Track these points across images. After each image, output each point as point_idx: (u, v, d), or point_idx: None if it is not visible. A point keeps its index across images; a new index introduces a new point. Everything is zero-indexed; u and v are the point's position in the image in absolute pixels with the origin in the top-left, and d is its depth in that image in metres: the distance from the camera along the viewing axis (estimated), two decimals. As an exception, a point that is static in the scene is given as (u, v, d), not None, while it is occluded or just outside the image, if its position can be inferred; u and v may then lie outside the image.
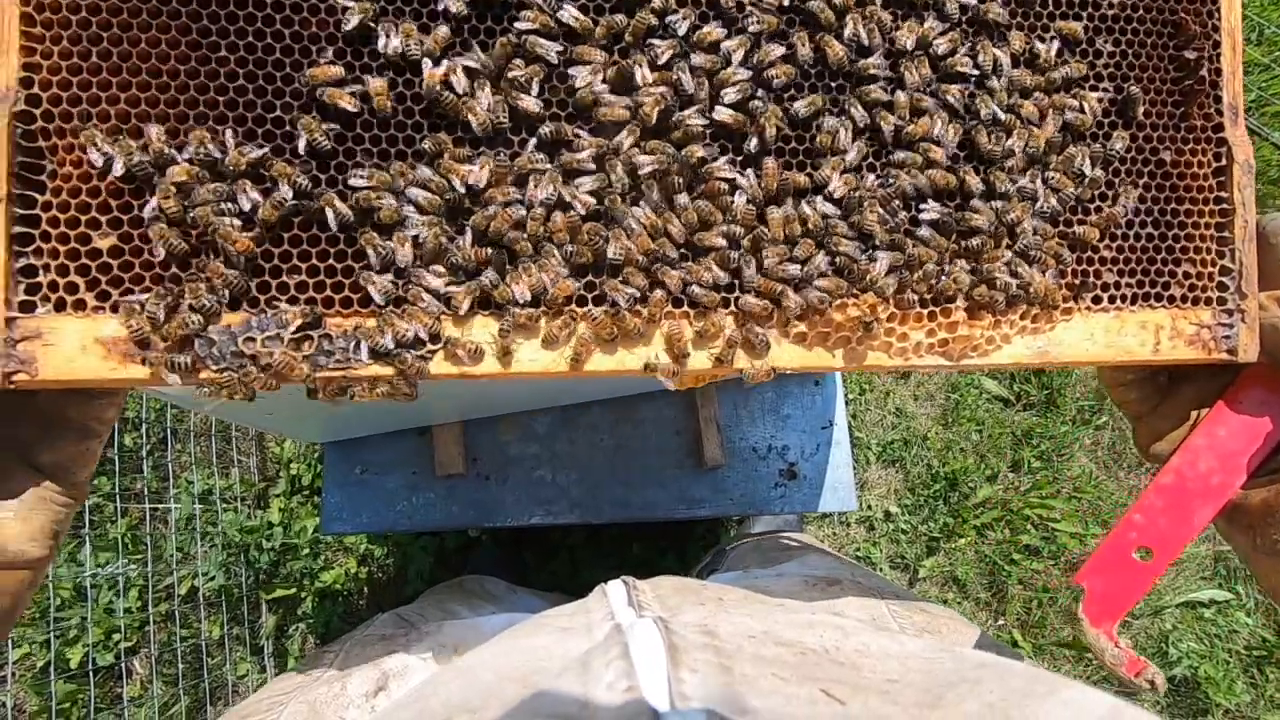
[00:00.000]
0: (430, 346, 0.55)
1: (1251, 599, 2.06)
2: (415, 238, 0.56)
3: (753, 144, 0.60)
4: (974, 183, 0.63)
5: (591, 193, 0.58)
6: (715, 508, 1.25)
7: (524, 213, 0.57)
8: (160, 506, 1.91)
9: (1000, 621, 2.04)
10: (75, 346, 0.51)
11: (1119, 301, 0.66)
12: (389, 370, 0.55)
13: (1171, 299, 0.66)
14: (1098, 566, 0.65)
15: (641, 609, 0.64)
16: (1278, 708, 1.97)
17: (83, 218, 0.52)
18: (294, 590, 1.94)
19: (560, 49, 0.57)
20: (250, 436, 2.03)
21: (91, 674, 1.69)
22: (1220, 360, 0.65)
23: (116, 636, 1.81)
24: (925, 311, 0.63)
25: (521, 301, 0.56)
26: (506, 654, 0.58)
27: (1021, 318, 0.64)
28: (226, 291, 0.53)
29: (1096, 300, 0.66)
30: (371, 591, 2.00)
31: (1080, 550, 2.07)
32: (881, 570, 2.05)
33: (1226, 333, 0.65)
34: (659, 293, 0.58)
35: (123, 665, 1.81)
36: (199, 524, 1.89)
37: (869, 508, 2.10)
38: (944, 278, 0.62)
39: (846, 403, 1.33)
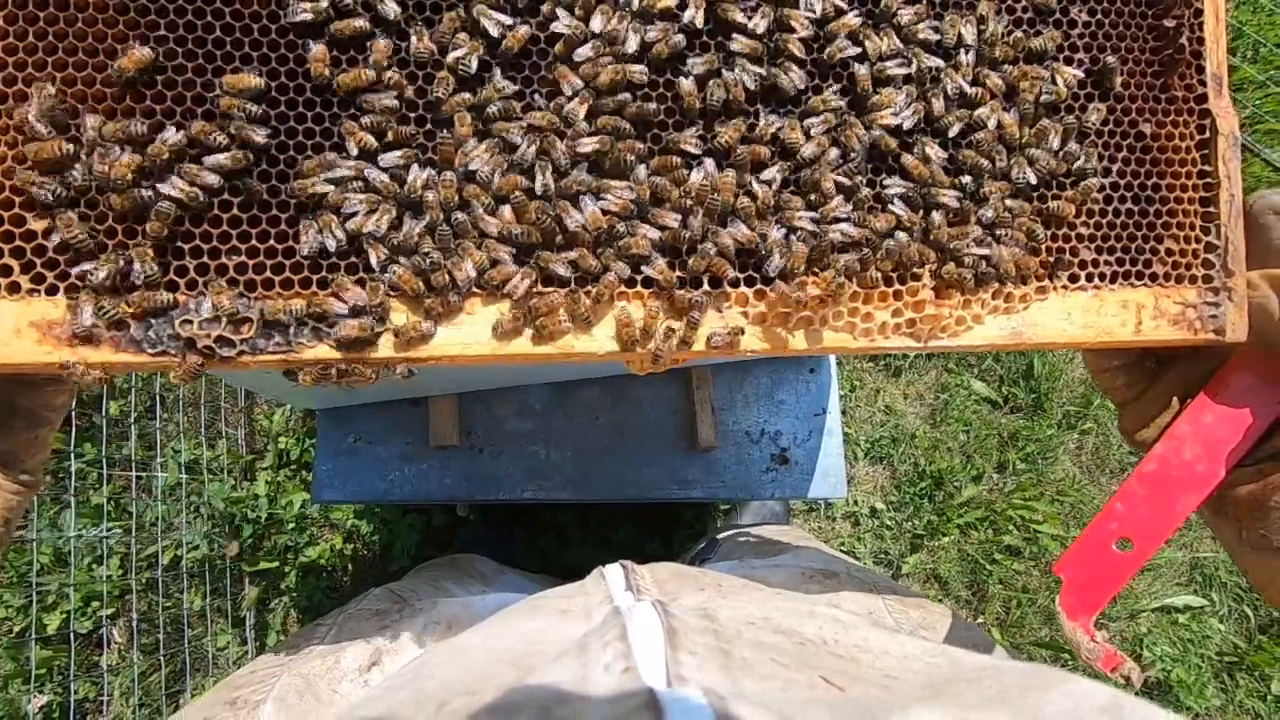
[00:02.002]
0: (375, 328, 0.54)
1: (1225, 605, 2.09)
2: (358, 215, 0.54)
3: (716, 96, 0.58)
4: (936, 155, 0.61)
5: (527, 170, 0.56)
6: (707, 489, 1.26)
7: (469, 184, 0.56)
8: (145, 475, 1.89)
9: (980, 620, 2.07)
10: (9, 330, 0.50)
11: (1097, 280, 0.63)
12: (334, 353, 0.54)
13: (1154, 277, 0.63)
14: (1076, 557, 0.63)
15: (640, 593, 0.64)
16: (1247, 713, 2.00)
17: (17, 199, 0.51)
18: (277, 564, 1.93)
19: (508, 23, 0.56)
20: (239, 409, 2.02)
21: (72, 638, 1.68)
22: (1207, 341, 0.62)
23: (96, 604, 1.80)
24: (890, 290, 0.60)
25: (464, 288, 0.55)
26: (503, 636, 0.58)
27: (993, 297, 0.61)
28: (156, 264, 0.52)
29: (1074, 279, 0.63)
30: (356, 568, 1.99)
31: (1061, 552, 2.09)
32: (865, 565, 2.07)
33: (1213, 312, 0.62)
34: (610, 275, 0.56)
35: (103, 633, 1.80)
36: (184, 493, 1.88)
37: (855, 503, 2.12)
38: (905, 251, 0.59)
39: (839, 396, 1.35)
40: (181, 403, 1.96)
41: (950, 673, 0.47)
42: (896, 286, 0.60)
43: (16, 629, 1.77)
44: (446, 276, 0.54)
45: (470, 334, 0.56)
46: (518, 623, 0.62)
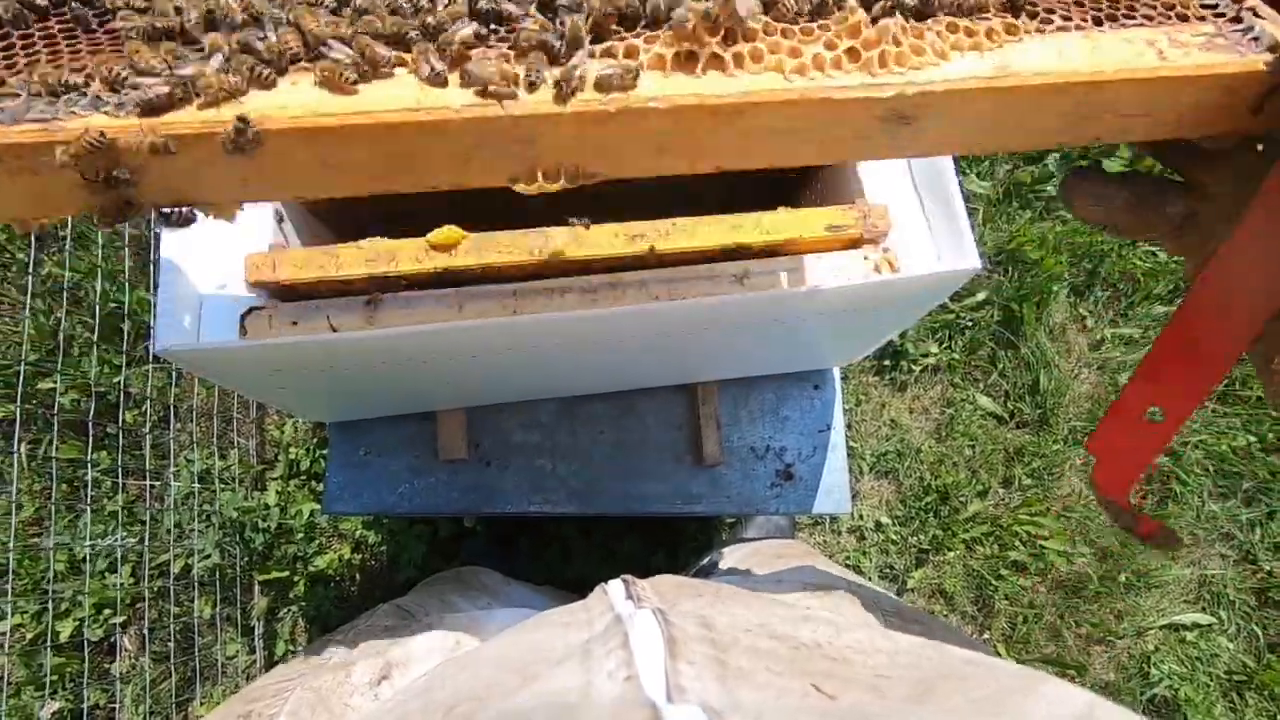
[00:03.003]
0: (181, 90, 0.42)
1: (1234, 623, 2.08)
2: None
3: None
4: None
5: None
6: (712, 505, 1.27)
7: None
8: (158, 483, 1.92)
9: (985, 635, 2.06)
10: None
11: (1077, 24, 0.50)
12: (111, 121, 0.40)
13: (1149, 17, 0.50)
14: (1107, 432, 0.56)
15: (640, 601, 0.66)
16: (1255, 732, 1.99)
17: None
18: (287, 573, 1.95)
19: None
20: (251, 419, 2.05)
21: (86, 645, 1.70)
22: (1261, 67, 0.48)
23: (108, 611, 1.82)
24: (815, 24, 0.48)
25: (290, 52, 0.43)
26: (510, 647, 0.60)
27: (948, 30, 0.49)
28: None
29: (1047, 22, 0.50)
30: (364, 578, 2.01)
31: (1067, 568, 2.09)
32: (870, 580, 2.07)
33: (1253, 34, 0.49)
34: (465, 29, 0.44)
35: (116, 640, 1.82)
36: (196, 502, 1.91)
37: (860, 517, 2.12)
38: None
39: (844, 411, 1.36)
40: (195, 413, 1.99)
41: (941, 666, 0.48)
42: (822, 20, 0.49)
43: (30, 636, 1.80)
44: (273, 45, 0.43)
45: (290, 96, 0.44)
46: (524, 635, 0.63)
